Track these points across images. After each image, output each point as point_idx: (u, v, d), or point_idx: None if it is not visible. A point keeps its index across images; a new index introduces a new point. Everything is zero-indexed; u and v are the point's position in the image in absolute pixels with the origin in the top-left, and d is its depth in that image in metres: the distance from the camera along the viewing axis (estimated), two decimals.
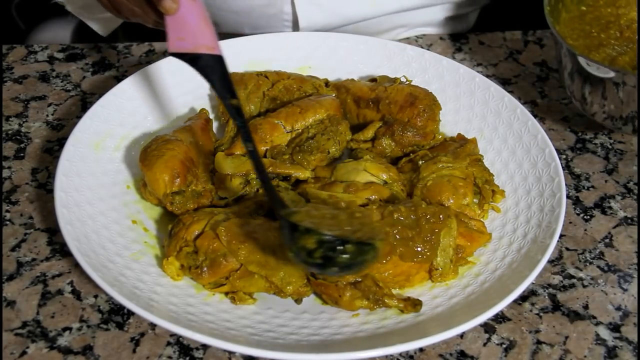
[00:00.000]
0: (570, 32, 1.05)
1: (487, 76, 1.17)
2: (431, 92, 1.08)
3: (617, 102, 0.96)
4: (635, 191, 1.06)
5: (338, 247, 0.77)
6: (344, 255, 0.77)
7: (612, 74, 0.93)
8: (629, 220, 1.02)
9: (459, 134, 1.07)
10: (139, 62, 1.27)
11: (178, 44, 0.86)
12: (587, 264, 0.96)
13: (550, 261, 0.96)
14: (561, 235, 0.98)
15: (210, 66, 0.86)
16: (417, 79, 1.14)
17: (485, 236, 0.94)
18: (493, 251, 0.93)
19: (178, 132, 1.01)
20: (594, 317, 0.90)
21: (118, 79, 1.22)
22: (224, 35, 1.29)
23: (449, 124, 1.11)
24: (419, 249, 0.86)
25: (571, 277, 0.94)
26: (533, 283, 0.93)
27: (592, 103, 1.01)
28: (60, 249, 0.96)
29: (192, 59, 0.86)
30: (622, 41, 1.01)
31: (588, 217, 1.02)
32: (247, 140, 0.86)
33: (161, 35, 1.32)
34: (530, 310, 0.90)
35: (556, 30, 1.00)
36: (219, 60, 0.86)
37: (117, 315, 0.89)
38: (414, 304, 0.86)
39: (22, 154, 1.10)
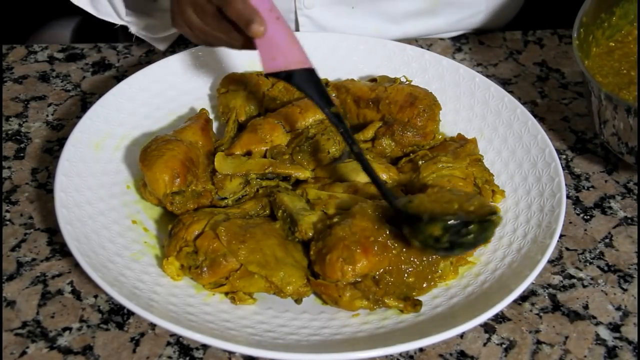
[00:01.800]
0: (599, 68, 1.04)
1: (487, 76, 1.17)
2: (431, 92, 1.08)
3: None
4: (635, 191, 1.06)
5: (463, 230, 0.81)
6: (470, 236, 0.82)
7: None
8: (629, 220, 1.02)
9: (459, 134, 1.07)
10: (139, 62, 1.27)
11: (271, 64, 0.91)
12: (587, 264, 0.96)
13: (550, 261, 0.96)
14: (561, 235, 0.98)
15: (304, 80, 0.91)
16: (417, 79, 1.14)
17: None
18: (493, 251, 0.93)
19: (178, 132, 1.01)
20: (594, 317, 0.90)
21: (118, 79, 1.22)
22: None
23: (449, 124, 1.11)
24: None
25: (571, 277, 0.95)
26: (533, 283, 0.93)
27: (622, 141, 0.98)
28: (60, 249, 0.96)
29: (287, 76, 0.91)
30: None
31: (588, 217, 1.02)
32: (353, 144, 0.90)
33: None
34: (530, 310, 0.90)
35: (584, 65, 0.98)
36: (311, 72, 0.91)
37: (117, 315, 0.89)
38: (414, 304, 0.86)
39: (22, 154, 1.10)
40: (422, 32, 1.32)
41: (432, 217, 0.82)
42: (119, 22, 1.22)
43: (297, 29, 1.30)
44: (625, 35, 1.08)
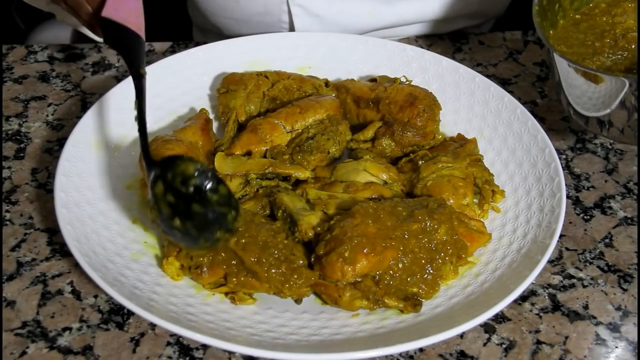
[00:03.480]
0: (565, 39, 1.04)
1: (487, 76, 1.17)
2: (431, 92, 1.08)
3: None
4: (635, 191, 1.06)
5: (211, 183, 0.78)
6: (214, 196, 0.78)
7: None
8: (629, 220, 1.02)
9: (459, 134, 1.07)
10: None
11: (113, 13, 0.91)
12: (587, 264, 0.96)
13: (550, 261, 0.96)
14: (561, 235, 0.98)
15: (131, 42, 0.91)
16: (417, 79, 1.14)
17: (485, 236, 0.94)
18: (493, 251, 0.93)
19: (178, 132, 1.01)
20: (594, 317, 0.90)
21: (118, 79, 1.22)
22: (224, 37, 1.29)
23: (449, 124, 1.11)
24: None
25: (571, 277, 0.95)
26: (533, 283, 0.93)
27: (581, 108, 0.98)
28: (60, 249, 0.96)
29: (119, 29, 0.90)
30: (617, 50, 1.00)
31: (588, 217, 1.02)
32: (138, 98, 0.88)
33: (159, 36, 1.33)
34: (530, 310, 0.90)
35: (542, 33, 0.97)
36: (141, 41, 0.92)
37: (117, 315, 0.89)
38: (414, 304, 0.86)
39: (22, 154, 1.10)
40: (417, 14, 1.29)
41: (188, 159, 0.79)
42: (44, 9, 1.20)
43: (291, 19, 1.29)
44: (593, 8, 1.07)
